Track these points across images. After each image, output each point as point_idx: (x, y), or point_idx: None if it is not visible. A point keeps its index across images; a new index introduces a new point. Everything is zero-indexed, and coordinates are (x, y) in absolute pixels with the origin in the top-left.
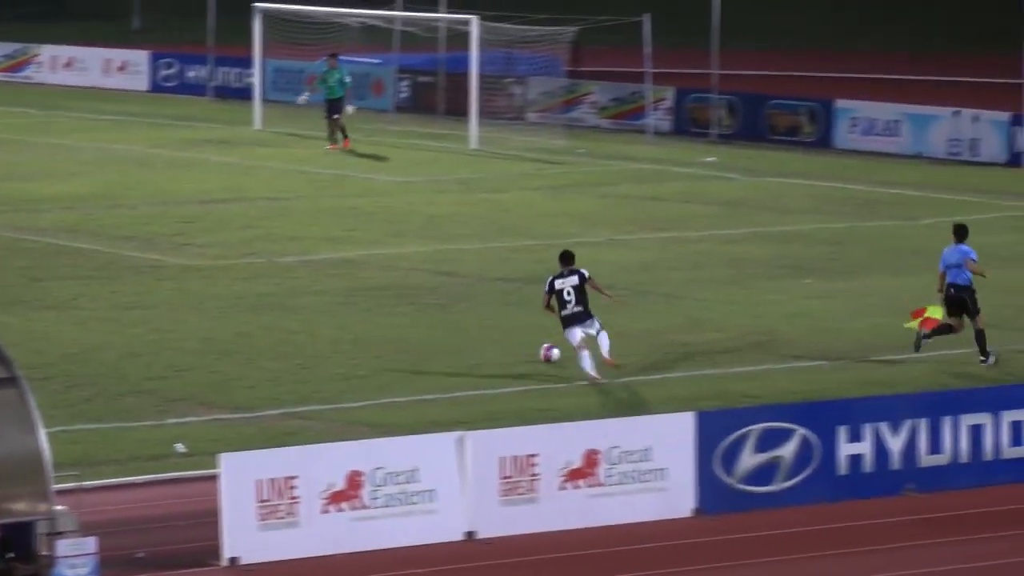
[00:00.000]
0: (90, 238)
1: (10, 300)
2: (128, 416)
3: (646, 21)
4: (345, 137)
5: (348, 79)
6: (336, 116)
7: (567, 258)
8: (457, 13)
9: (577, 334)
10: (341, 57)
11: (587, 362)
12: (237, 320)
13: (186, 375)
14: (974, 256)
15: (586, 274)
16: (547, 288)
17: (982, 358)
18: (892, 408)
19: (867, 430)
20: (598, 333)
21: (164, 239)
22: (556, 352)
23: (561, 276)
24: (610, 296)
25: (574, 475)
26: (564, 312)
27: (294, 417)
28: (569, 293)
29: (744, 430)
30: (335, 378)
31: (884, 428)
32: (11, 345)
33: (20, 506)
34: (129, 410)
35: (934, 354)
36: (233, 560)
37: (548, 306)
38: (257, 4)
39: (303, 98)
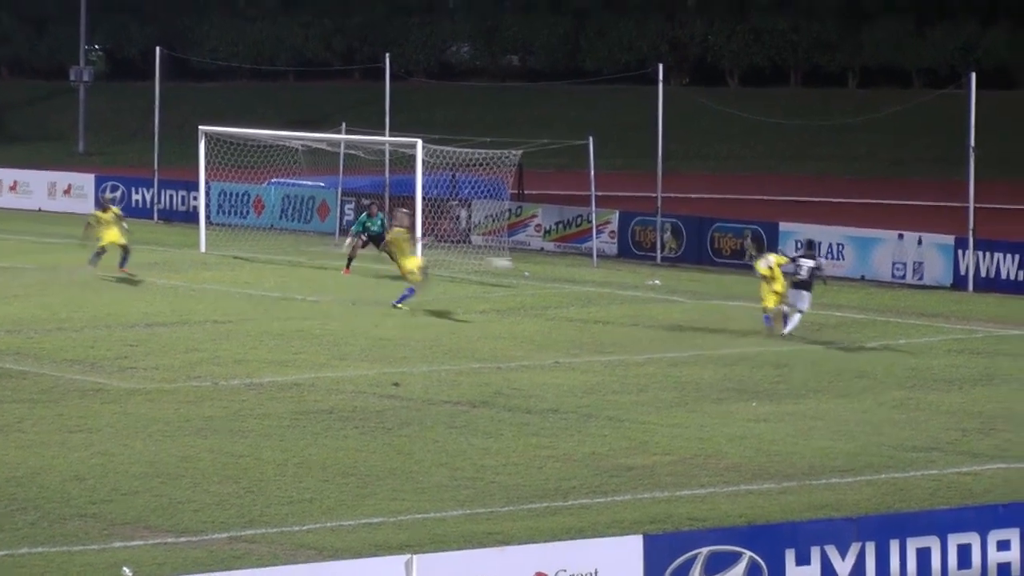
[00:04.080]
0: (34, 361)
1: None
2: (73, 540)
3: (590, 144)
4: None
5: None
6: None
7: (811, 244)
8: (401, 136)
9: (801, 298)
10: (283, 180)
11: (791, 323)
12: (182, 443)
13: (131, 499)
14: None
15: (821, 264)
16: (790, 262)
17: None
18: (839, 531)
19: (815, 553)
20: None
21: (109, 362)
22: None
23: (804, 256)
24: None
25: None
26: (797, 279)
27: (241, 540)
28: (804, 268)
29: (692, 553)
30: (281, 501)
31: (832, 551)
32: None
33: None
34: (74, 534)
35: (883, 476)
36: None
37: (774, 273)
38: (202, 127)
39: (348, 242)
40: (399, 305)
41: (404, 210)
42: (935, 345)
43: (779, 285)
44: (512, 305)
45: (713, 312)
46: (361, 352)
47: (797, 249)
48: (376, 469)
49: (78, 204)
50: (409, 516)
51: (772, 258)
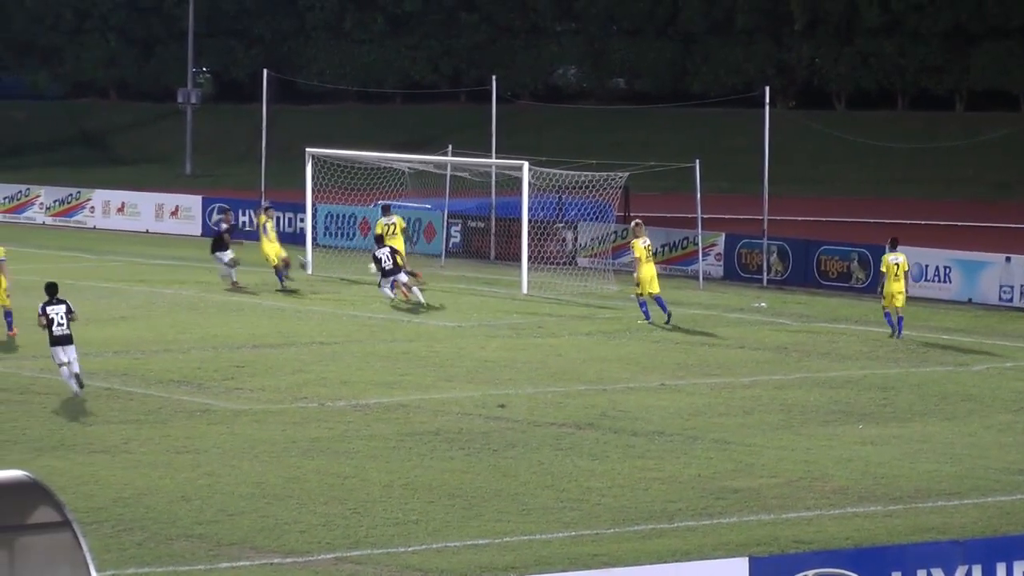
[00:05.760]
0: (141, 382)
1: (61, 444)
2: (180, 560)
3: (697, 167)
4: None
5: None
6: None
7: None
8: (508, 158)
9: None
10: (392, 203)
11: None
12: (289, 464)
13: (238, 519)
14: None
15: None
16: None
17: None
18: (946, 554)
19: None
20: None
21: (216, 383)
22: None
23: None
24: None
25: None
26: None
27: (347, 561)
28: None
29: None
30: (387, 523)
31: (938, 574)
32: (62, 489)
33: None
34: (181, 554)
35: (989, 500)
36: None
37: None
38: (309, 149)
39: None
40: (651, 321)
41: (639, 220)
42: None
43: (901, 285)
44: (618, 327)
45: (819, 335)
46: (467, 374)
47: None
48: (482, 491)
49: (185, 226)
50: (515, 538)
51: (902, 257)
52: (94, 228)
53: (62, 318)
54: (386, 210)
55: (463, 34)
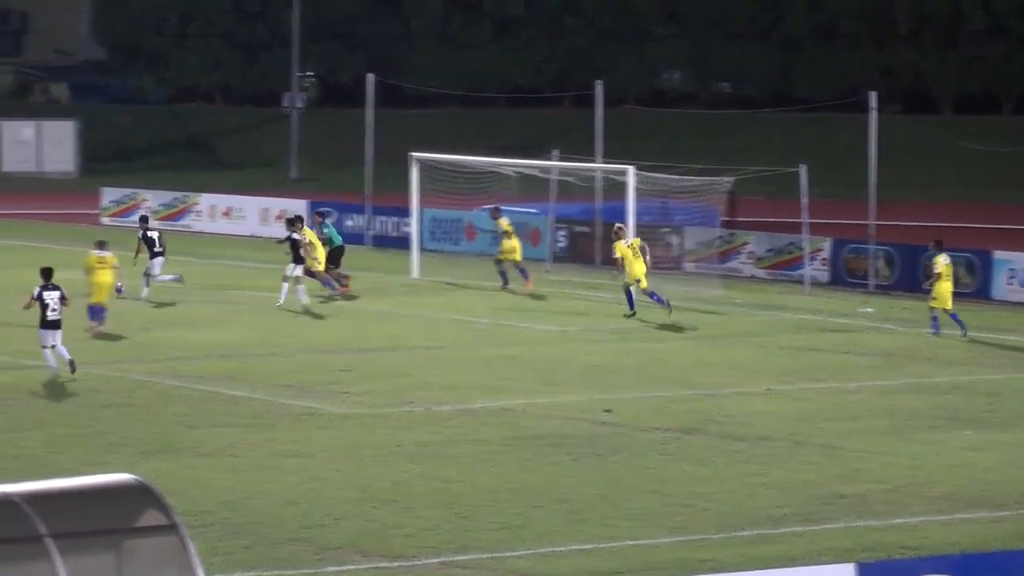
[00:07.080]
0: (247, 386)
1: (167, 447)
2: (286, 564)
3: (803, 172)
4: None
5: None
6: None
7: None
8: (613, 163)
9: None
10: (500, 205)
11: None
12: (394, 468)
13: (344, 523)
14: None
15: None
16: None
17: None
18: None
19: None
20: None
21: (320, 387)
22: None
23: None
24: None
25: None
26: None
27: (453, 566)
28: None
29: None
30: (493, 527)
31: None
32: (168, 492)
33: None
34: (287, 558)
35: None
36: None
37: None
38: (414, 154)
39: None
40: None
41: (620, 225)
42: None
43: (950, 285)
44: (723, 332)
45: (926, 340)
46: (572, 378)
47: None
48: (588, 495)
49: None
50: (621, 543)
51: (949, 258)
52: (200, 232)
53: (56, 303)
54: (497, 212)
55: (567, 38)
